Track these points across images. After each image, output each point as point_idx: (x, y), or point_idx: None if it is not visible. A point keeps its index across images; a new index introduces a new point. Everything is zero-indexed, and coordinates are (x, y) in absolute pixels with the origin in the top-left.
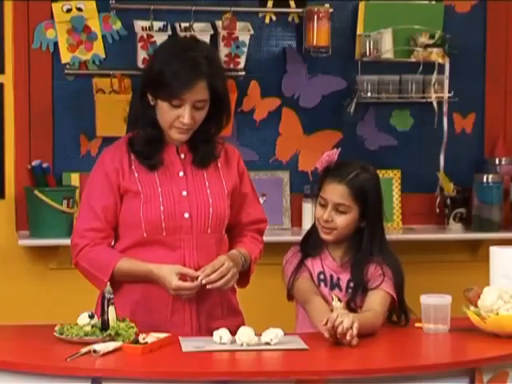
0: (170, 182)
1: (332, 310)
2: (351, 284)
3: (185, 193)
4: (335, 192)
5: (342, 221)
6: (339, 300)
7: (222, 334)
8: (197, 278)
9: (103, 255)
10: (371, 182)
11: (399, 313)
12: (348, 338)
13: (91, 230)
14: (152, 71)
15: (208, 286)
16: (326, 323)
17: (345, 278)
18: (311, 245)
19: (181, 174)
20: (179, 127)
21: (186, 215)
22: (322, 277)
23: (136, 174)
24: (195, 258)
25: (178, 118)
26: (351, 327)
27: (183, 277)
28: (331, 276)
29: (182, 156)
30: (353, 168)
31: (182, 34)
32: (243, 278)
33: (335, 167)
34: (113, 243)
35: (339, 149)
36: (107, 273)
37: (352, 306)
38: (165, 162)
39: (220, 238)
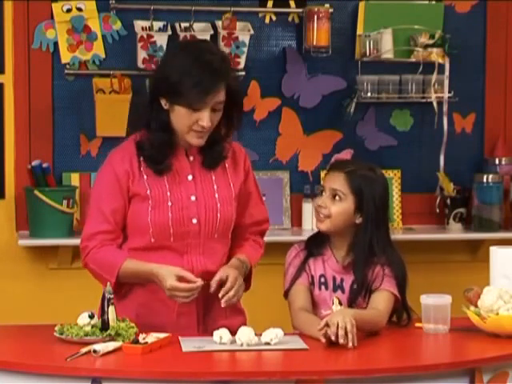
0: (179, 187)
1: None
2: (355, 286)
3: (193, 198)
4: (333, 179)
5: (336, 209)
6: (340, 303)
7: (222, 334)
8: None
9: (109, 256)
10: (372, 181)
11: (401, 312)
12: (342, 341)
13: (100, 232)
14: (169, 80)
15: (224, 305)
16: (322, 328)
17: (349, 279)
18: (316, 243)
19: (189, 177)
20: (198, 131)
21: (194, 221)
22: (322, 280)
23: (145, 177)
24: (203, 262)
25: (196, 121)
26: (346, 332)
27: (182, 280)
28: (334, 278)
29: (191, 158)
30: (358, 165)
31: (182, 34)
32: (245, 283)
33: (341, 161)
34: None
35: (352, 151)
36: (113, 273)
37: (353, 308)
38: (173, 167)
39: (226, 242)
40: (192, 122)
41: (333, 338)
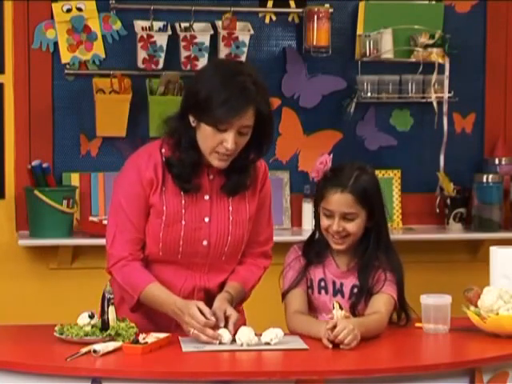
0: (195, 206)
1: (332, 318)
2: (355, 290)
3: (207, 219)
4: (340, 202)
5: (353, 227)
6: (340, 308)
7: (222, 334)
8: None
9: (135, 275)
10: (372, 182)
11: (399, 312)
12: (347, 348)
13: (130, 241)
14: (198, 96)
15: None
16: (330, 330)
17: (349, 283)
18: (315, 252)
19: (206, 197)
20: (222, 152)
21: (205, 242)
22: (322, 284)
23: (164, 189)
24: (205, 280)
25: (221, 142)
26: (352, 341)
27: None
28: (333, 282)
29: (211, 177)
30: (350, 171)
31: (182, 34)
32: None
33: (333, 174)
34: None
35: (331, 154)
36: (136, 293)
37: (355, 312)
38: (200, 187)
39: (234, 263)
40: (216, 143)
41: (330, 344)
